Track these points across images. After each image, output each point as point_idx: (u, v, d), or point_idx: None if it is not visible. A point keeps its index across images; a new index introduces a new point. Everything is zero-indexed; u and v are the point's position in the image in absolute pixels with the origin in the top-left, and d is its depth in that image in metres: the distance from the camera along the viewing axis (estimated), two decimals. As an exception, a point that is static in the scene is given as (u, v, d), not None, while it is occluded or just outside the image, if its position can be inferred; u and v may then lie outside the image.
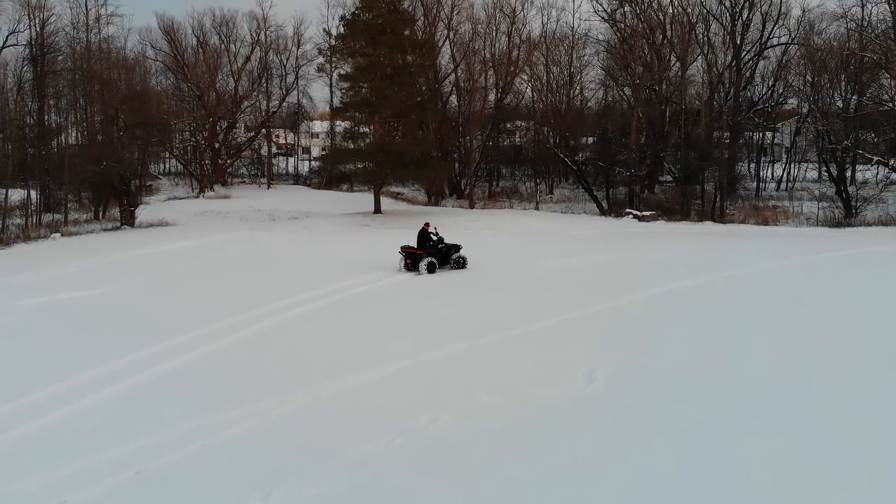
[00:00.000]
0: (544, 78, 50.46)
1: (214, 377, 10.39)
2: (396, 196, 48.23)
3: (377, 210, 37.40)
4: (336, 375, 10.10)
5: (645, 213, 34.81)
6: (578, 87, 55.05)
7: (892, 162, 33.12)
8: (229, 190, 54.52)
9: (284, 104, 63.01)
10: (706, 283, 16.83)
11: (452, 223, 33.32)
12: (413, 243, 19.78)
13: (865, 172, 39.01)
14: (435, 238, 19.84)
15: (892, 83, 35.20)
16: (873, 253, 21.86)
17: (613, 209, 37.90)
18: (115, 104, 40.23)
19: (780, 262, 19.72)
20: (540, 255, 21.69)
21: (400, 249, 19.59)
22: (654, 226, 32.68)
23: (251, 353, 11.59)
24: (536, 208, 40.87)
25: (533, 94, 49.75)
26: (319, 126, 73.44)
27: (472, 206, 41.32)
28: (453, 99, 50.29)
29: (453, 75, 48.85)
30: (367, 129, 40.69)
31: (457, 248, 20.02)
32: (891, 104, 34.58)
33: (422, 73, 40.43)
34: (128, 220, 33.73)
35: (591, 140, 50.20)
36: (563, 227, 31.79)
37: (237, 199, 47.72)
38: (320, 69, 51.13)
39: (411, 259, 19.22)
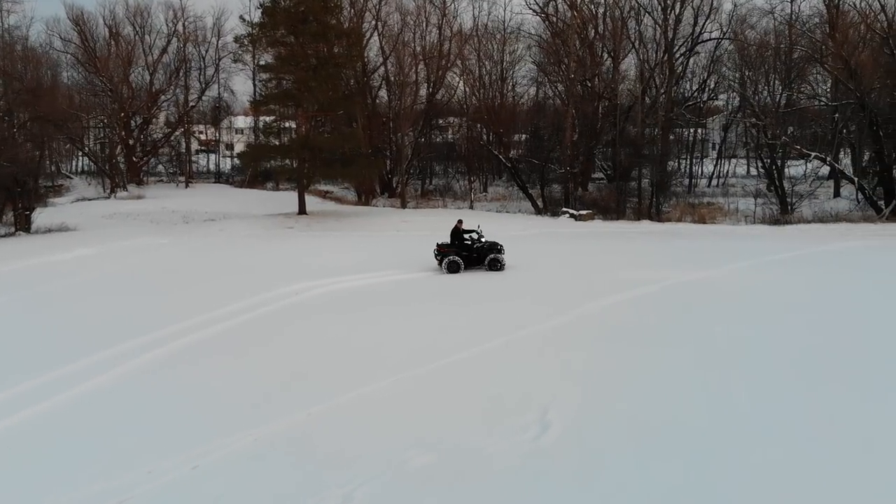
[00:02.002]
0: (476, 73, 49.07)
1: (64, 439, 8.06)
2: (325, 195, 45.86)
3: (302, 211, 35.03)
4: (225, 431, 7.98)
5: (581, 212, 33.64)
6: (511, 83, 53.92)
7: (828, 158, 32.88)
8: (143, 189, 51.07)
9: (205, 98, 59.87)
10: (662, 289, 15.46)
11: (384, 224, 31.46)
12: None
13: (796, 168, 38.93)
14: (472, 237, 19.16)
15: (823, 78, 35.09)
16: (826, 252, 21.08)
17: (549, 208, 36.66)
18: (9, 98, 36.54)
19: (739, 264, 18.64)
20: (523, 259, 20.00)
21: (435, 247, 19.20)
22: (591, 225, 31.52)
23: (119, 402, 9.26)
24: (471, 207, 39.28)
25: (465, 89, 48.27)
26: (243, 121, 70.19)
27: (404, 206, 39.42)
28: (383, 93, 48.38)
29: (382, 68, 46.82)
30: (290, 125, 38.18)
31: (495, 248, 18.85)
32: (823, 99, 34.44)
33: (348, 64, 38.13)
34: (22, 224, 30.38)
35: (524, 137, 48.98)
36: (502, 226, 30.17)
37: (151, 199, 44.43)
38: (237, 59, 48.01)
39: (440, 257, 18.86)
